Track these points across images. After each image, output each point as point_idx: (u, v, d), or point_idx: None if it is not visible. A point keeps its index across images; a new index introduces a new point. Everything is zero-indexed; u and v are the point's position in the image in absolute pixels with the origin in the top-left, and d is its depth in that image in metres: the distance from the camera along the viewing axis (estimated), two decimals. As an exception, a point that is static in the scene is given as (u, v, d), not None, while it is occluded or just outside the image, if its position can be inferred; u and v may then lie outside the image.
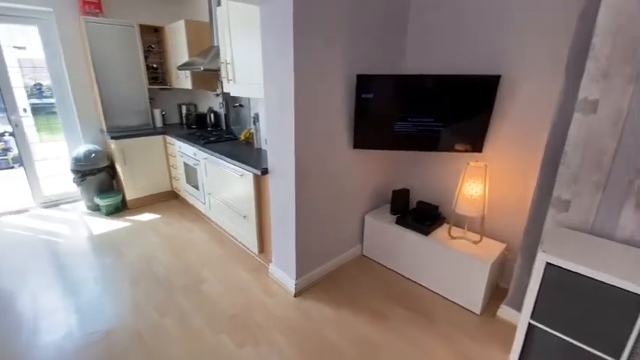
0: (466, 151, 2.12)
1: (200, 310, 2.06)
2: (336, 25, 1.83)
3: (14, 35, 3.33)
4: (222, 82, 2.77)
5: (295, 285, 2.18)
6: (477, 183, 1.99)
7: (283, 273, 2.27)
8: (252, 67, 2.26)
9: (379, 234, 2.49)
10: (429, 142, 2.16)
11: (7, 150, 5.34)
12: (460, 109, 2.04)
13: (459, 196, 2.06)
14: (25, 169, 3.54)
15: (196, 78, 3.40)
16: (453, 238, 2.18)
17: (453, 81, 2.00)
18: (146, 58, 3.74)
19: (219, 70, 2.72)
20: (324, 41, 1.79)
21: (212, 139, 3.13)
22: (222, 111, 3.70)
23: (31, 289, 2.25)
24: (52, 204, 3.71)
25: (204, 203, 3.17)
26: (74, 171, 3.38)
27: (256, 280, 2.37)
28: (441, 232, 2.27)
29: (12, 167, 5.29)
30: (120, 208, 3.55)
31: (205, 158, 2.87)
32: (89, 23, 3.17)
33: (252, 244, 2.55)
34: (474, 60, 2.09)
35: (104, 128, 3.51)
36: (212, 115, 3.72)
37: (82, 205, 3.66)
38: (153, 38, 3.75)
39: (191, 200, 3.51)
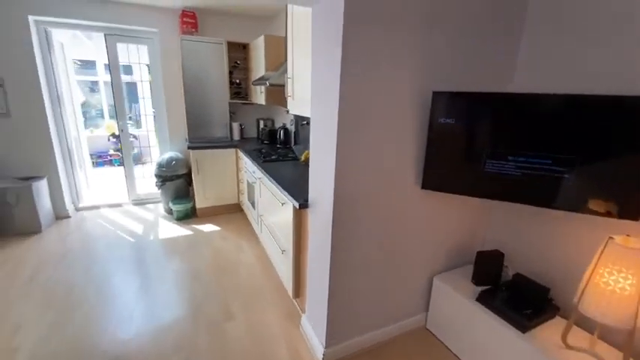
0: (608, 214, 1.32)
1: (213, 354, 1.79)
2: (405, 21, 1.35)
3: (131, 53, 3.84)
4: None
5: (324, 355, 1.70)
6: (628, 273, 1.19)
7: (313, 333, 1.83)
8: (308, 81, 1.95)
9: (451, 307, 1.81)
10: (541, 192, 1.44)
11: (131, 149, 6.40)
12: (604, 147, 1.29)
13: (588, 285, 1.28)
14: (124, 168, 4.00)
15: (269, 93, 3.30)
16: (570, 347, 1.38)
17: (598, 104, 1.27)
18: (231, 73, 3.87)
19: (284, 85, 2.52)
20: (385, 43, 1.33)
21: (273, 157, 2.94)
22: (292, 128, 3.53)
23: (82, 280, 2.37)
24: (141, 202, 4.11)
25: (257, 224, 2.98)
26: (157, 175, 3.65)
27: (285, 332, 1.98)
28: (550, 331, 1.48)
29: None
30: (189, 215, 3.68)
31: (260, 178, 2.67)
32: (184, 41, 3.41)
33: (288, 285, 2.19)
34: (627, 74, 1.31)
35: (187, 138, 3.72)
36: (282, 132, 3.58)
37: (161, 207, 3.95)
38: (240, 55, 3.86)
39: (249, 217, 3.39)
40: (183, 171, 3.70)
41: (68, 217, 3.61)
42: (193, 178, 3.59)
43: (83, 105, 6.67)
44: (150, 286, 2.41)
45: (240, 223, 3.60)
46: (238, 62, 3.88)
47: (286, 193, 1.94)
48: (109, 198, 4.16)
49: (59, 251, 2.86)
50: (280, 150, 3.31)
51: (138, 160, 6.50)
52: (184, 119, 3.68)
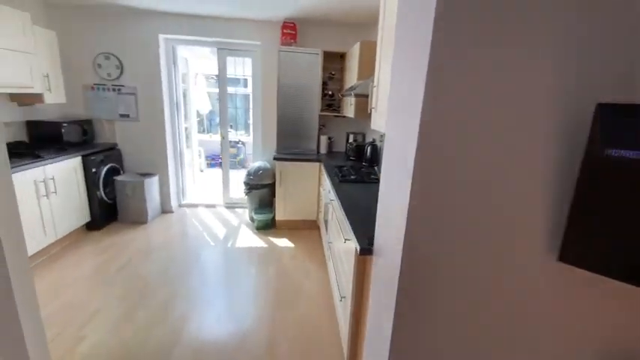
0: None
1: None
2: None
3: (238, 66, 4.09)
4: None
5: None
6: None
7: None
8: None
9: None
10: None
11: (237, 155, 7.04)
12: None
13: None
14: (222, 172, 4.26)
15: (358, 105, 2.96)
16: None
17: None
18: (325, 84, 3.70)
19: (369, 96, 2.13)
20: (500, 27, 0.80)
21: (352, 177, 2.56)
22: (382, 146, 3.09)
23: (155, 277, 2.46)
24: (232, 206, 4.31)
25: (327, 250, 2.65)
26: (245, 183, 3.73)
27: (330, 403, 1.56)
28: None
29: (236, 168, 6.89)
30: (269, 226, 3.63)
31: (333, 200, 2.33)
32: (281, 52, 3.39)
33: (344, 341, 1.75)
34: None
35: (276, 148, 3.70)
36: (369, 149, 3.17)
37: (247, 213, 4.03)
38: (336, 65, 3.66)
39: (323, 239, 3.09)
40: (269, 181, 3.68)
41: (171, 212, 4.02)
42: (276, 189, 3.52)
43: (210, 113, 7.71)
44: (205, 297, 2.34)
45: (314, 242, 3.34)
46: (333, 73, 3.68)
47: (350, 229, 1.54)
48: (207, 198, 4.52)
49: (153, 244, 3.14)
50: (364, 169, 2.91)
51: (243, 164, 7.13)
52: (275, 129, 3.67)
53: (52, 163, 2.76)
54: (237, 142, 6.93)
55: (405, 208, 0.94)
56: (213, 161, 7.27)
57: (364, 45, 2.84)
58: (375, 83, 1.87)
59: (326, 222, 2.83)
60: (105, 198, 3.43)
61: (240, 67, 4.21)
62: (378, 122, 1.82)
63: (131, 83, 3.63)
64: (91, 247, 3.01)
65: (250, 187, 3.68)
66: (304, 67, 3.46)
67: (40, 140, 3.16)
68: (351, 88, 2.56)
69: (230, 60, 3.94)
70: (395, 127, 1.09)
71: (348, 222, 1.62)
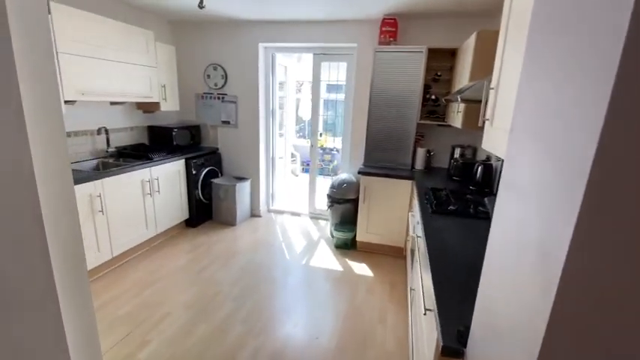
0: None
1: None
2: None
3: (333, 71, 3.88)
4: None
5: None
6: None
7: None
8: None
9: None
10: None
11: (330, 162, 6.93)
12: None
13: None
14: (309, 181, 4.13)
15: (468, 113, 2.31)
16: None
17: None
18: (428, 88, 3.12)
19: (481, 101, 1.54)
20: None
21: (451, 206, 1.97)
22: (498, 166, 2.35)
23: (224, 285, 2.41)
24: (316, 216, 4.13)
25: (409, 295, 2.12)
26: (328, 195, 3.47)
27: None
28: None
29: (329, 175, 6.78)
30: (348, 246, 3.27)
31: (420, 236, 1.81)
32: (378, 53, 2.99)
33: None
34: None
35: (363, 160, 3.32)
36: (481, 169, 2.46)
37: (328, 227, 3.78)
38: (444, 64, 3.04)
39: (407, 275, 2.55)
40: (353, 196, 3.33)
41: (259, 216, 4.09)
42: (359, 206, 3.13)
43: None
44: (262, 322, 2.13)
45: (398, 275, 2.81)
46: (439, 74, 3.07)
47: (434, 300, 1.04)
48: (294, 205, 4.47)
49: (235, 249, 3.18)
50: (470, 196, 2.25)
51: (336, 172, 6.98)
52: (364, 139, 3.29)
53: (159, 164, 3.06)
54: (333, 149, 6.81)
55: (548, 306, 0.45)
56: (309, 167, 7.37)
57: (482, 36, 2.19)
58: (493, 84, 1.30)
59: (412, 255, 2.29)
60: (202, 198, 3.69)
61: (337, 73, 4.02)
62: (494, 140, 1.25)
63: (233, 92, 3.82)
64: (184, 244, 3.23)
65: (333, 200, 3.39)
66: (403, 68, 2.97)
67: (156, 143, 3.59)
68: (459, 92, 1.98)
69: (332, 66, 3.76)
70: (530, 152, 0.57)
71: (432, 285, 1.12)
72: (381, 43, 3.08)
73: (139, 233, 2.92)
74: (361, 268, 2.92)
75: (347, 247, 3.28)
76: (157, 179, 3.05)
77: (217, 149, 4.00)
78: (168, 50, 3.38)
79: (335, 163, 6.95)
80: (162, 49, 3.29)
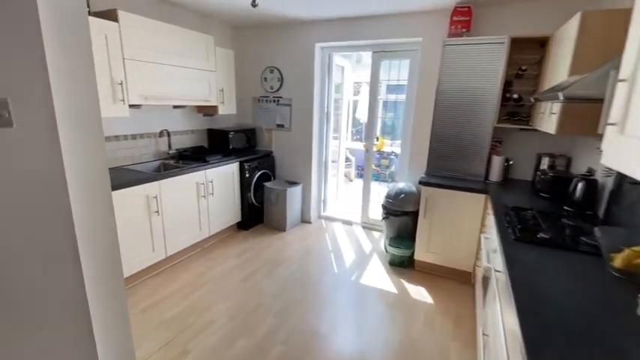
0: None
1: None
2: None
3: (393, 71, 3.56)
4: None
5: None
6: None
7: None
8: None
9: None
10: None
11: (387, 167, 6.53)
12: None
13: None
14: (363, 188, 3.85)
15: (567, 114, 1.82)
16: None
17: None
18: (509, 85, 2.63)
19: (601, 100, 1.13)
20: None
21: (542, 234, 1.54)
22: (607, 183, 1.82)
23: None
24: (369, 226, 3.84)
25: (480, 338, 1.73)
26: (383, 206, 3.17)
27: None
28: None
29: (385, 182, 6.39)
30: (405, 264, 2.93)
31: (499, 271, 1.44)
32: (447, 46, 2.62)
33: None
34: None
35: (425, 168, 2.95)
36: (582, 187, 1.94)
37: (382, 241, 3.46)
38: (531, 56, 2.53)
39: (477, 309, 2.13)
40: (411, 208, 2.98)
41: (310, 222, 3.95)
42: (419, 220, 2.78)
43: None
44: (300, 344, 1.93)
45: (463, 305, 2.39)
46: (524, 68, 2.57)
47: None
48: (346, 213, 4.24)
49: (283, 256, 3.07)
50: (567, 221, 1.77)
51: (393, 178, 6.56)
52: (427, 144, 2.92)
53: (214, 167, 3.09)
54: (391, 154, 6.42)
55: None
56: (364, 171, 7.05)
57: (590, 17, 1.71)
58: (625, 75, 0.91)
59: (485, 287, 1.89)
60: (254, 202, 3.67)
61: (399, 72, 3.70)
62: (628, 154, 0.87)
63: (288, 95, 3.74)
64: (234, 247, 3.22)
65: (388, 212, 3.08)
66: (478, 63, 2.55)
67: (214, 145, 3.67)
68: (558, 88, 1.54)
69: (393, 65, 3.47)
70: None
71: (524, 346, 0.80)
72: (451, 35, 2.69)
73: (192, 234, 2.97)
74: (419, 293, 2.56)
75: (403, 265, 2.94)
76: (212, 182, 3.09)
77: (271, 152, 3.96)
78: (227, 54, 3.43)
79: (393, 168, 6.54)
80: (222, 53, 3.34)
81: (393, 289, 2.59)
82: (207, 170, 3.03)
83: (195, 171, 2.89)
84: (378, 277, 2.77)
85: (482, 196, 2.49)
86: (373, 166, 7.15)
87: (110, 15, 2.36)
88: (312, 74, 3.55)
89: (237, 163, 3.42)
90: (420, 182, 2.68)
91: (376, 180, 6.34)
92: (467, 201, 2.53)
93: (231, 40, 3.81)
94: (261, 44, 3.74)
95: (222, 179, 3.24)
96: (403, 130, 3.45)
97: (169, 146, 3.21)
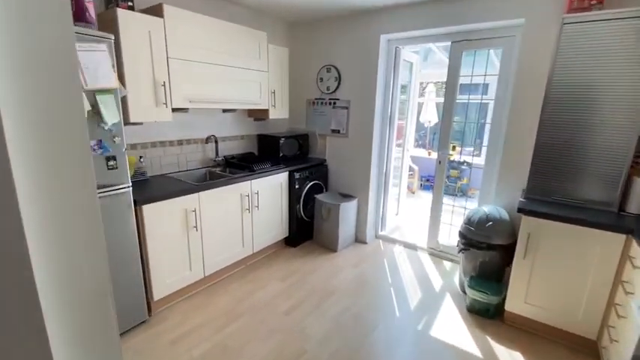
0: None
1: None
2: None
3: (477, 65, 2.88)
4: None
5: None
6: None
7: None
8: None
9: None
10: None
11: (458, 178, 5.66)
12: None
13: None
14: (432, 204, 3.21)
15: None
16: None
17: None
18: (668, 75, 1.81)
19: None
20: None
21: None
22: None
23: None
24: (438, 254, 3.18)
25: None
26: (461, 233, 2.51)
27: None
28: None
29: (454, 196, 5.55)
30: (490, 313, 2.24)
31: None
32: (566, 25, 1.90)
33: None
34: None
35: (525, 189, 2.23)
36: None
37: (457, 274, 2.79)
38: None
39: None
40: (502, 241, 2.28)
41: (365, 242, 3.42)
42: (515, 260, 2.08)
43: (435, 126, 6.75)
44: None
45: (590, 395, 1.65)
46: (699, 49, 1.73)
47: None
48: (409, 234, 3.62)
49: (332, 286, 2.60)
50: None
51: (464, 192, 5.67)
52: (528, 157, 2.20)
53: (260, 177, 2.76)
54: (462, 163, 5.56)
55: None
56: (429, 182, 6.25)
57: None
58: None
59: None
60: (303, 215, 3.28)
61: (486, 65, 2.98)
62: None
63: (346, 96, 3.28)
64: (280, 267, 2.85)
65: (468, 242, 2.42)
66: (615, 47, 1.79)
67: (264, 153, 3.37)
68: None
69: (478, 56, 2.81)
70: None
71: None
72: (572, 10, 1.97)
73: (233, 252, 2.67)
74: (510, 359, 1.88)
75: (487, 314, 2.25)
76: (257, 193, 2.76)
77: (324, 161, 3.54)
78: (280, 53, 3.10)
79: (465, 181, 5.67)
80: (275, 51, 3.01)
81: (475, 351, 1.95)
82: (254, 180, 2.71)
83: (240, 181, 2.59)
84: (454, 328, 2.14)
85: (619, 237, 1.72)
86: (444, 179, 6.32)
87: (155, 10, 2.16)
88: (374, 72, 3.04)
89: (287, 173, 3.06)
90: (521, 210, 1.99)
91: (444, 193, 5.54)
92: (594, 241, 1.78)
93: (286, 37, 3.49)
94: (318, 40, 3.35)
95: (269, 190, 2.90)
96: (490, 136, 2.75)
97: (216, 153, 2.97)
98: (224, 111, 2.99)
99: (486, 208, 2.46)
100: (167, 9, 2.14)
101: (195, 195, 2.27)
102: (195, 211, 2.27)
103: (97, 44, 1.62)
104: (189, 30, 2.28)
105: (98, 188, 1.73)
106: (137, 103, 2.08)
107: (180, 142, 2.73)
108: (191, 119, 2.76)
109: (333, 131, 3.43)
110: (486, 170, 2.79)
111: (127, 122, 2.13)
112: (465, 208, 3.10)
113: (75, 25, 1.63)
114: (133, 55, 2.00)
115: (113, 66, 1.70)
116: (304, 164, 3.26)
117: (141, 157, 2.44)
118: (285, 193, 3.10)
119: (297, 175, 3.11)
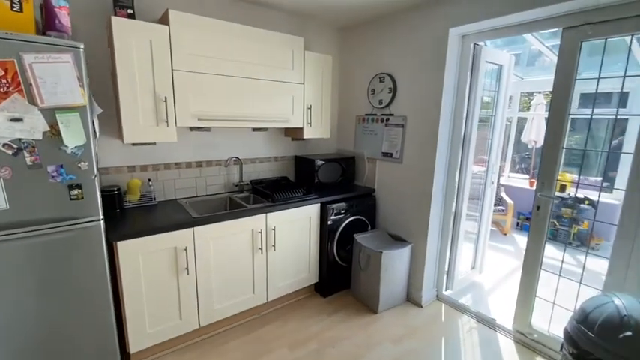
0: None
1: None
2: None
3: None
4: None
5: None
6: None
7: None
8: None
9: None
10: None
11: (574, 220, 4.13)
12: None
13: None
14: (524, 265, 2.19)
15: None
16: None
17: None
18: None
19: None
20: None
21: None
22: None
23: None
24: (529, 343, 2.12)
25: None
26: (567, 334, 1.52)
27: None
28: None
29: (569, 246, 4.06)
30: None
31: None
32: None
33: None
34: None
35: None
36: None
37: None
38: None
39: None
40: (655, 367, 1.24)
41: (419, 305, 2.56)
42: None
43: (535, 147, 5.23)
44: None
45: None
46: None
47: None
48: (489, 299, 2.61)
49: (353, 369, 1.89)
50: None
51: (583, 241, 4.10)
52: None
53: (280, 209, 2.26)
54: (582, 201, 4.05)
55: None
56: (527, 222, 4.78)
57: None
58: None
59: None
60: (337, 258, 2.64)
61: (606, 66, 1.91)
62: None
63: (401, 111, 2.57)
64: (296, 326, 2.27)
65: (579, 354, 1.42)
66: None
67: (301, 178, 2.88)
68: None
69: (610, 48, 1.82)
70: None
71: None
72: None
73: (240, 299, 2.20)
74: None
75: None
76: (274, 229, 2.26)
77: (373, 191, 2.85)
78: (321, 61, 2.59)
79: (584, 226, 4.12)
80: (314, 60, 2.52)
81: None
82: (271, 214, 2.22)
83: (251, 214, 2.13)
84: None
85: None
86: (550, 220, 4.84)
87: (161, 18, 1.91)
88: (440, 79, 2.26)
89: (318, 205, 2.49)
90: None
91: (551, 238, 4.11)
92: None
93: (332, 44, 2.99)
94: (370, 45, 2.75)
95: (292, 226, 2.38)
96: (634, 166, 1.67)
97: (240, 177, 2.60)
98: (254, 130, 2.63)
99: (622, 299, 1.42)
100: (173, 15, 1.86)
101: (188, 230, 1.89)
102: (186, 249, 1.89)
103: (57, 54, 1.37)
104: (201, 37, 1.97)
105: (57, 221, 1.47)
106: (134, 122, 1.83)
107: (199, 164, 2.45)
108: (213, 139, 2.46)
109: (385, 155, 2.73)
110: (625, 216, 1.70)
111: (136, 142, 1.91)
112: (584, 268, 2.00)
113: (45, 35, 1.43)
114: (129, 67, 1.76)
115: (80, 79, 1.43)
116: (345, 194, 2.64)
117: (149, 180, 2.21)
118: (316, 229, 2.53)
119: (331, 208, 2.51)
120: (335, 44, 3.00)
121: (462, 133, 2.42)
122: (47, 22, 1.42)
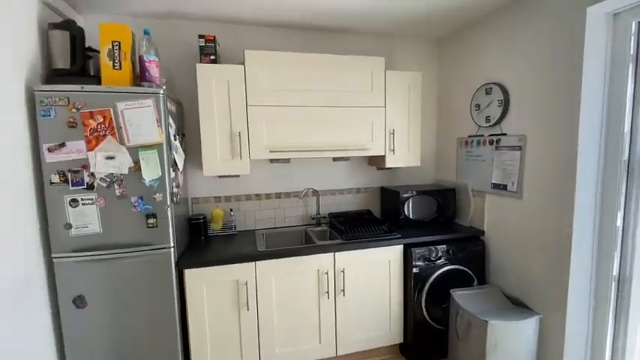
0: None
1: None
2: None
3: None
4: None
5: None
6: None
7: None
8: None
9: None
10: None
11: None
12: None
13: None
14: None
15: None
16: None
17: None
18: None
19: None
20: None
21: None
22: None
23: None
24: None
25: None
26: None
27: None
28: None
29: None
30: None
31: None
32: None
33: None
34: None
35: None
36: None
37: None
38: None
39: None
40: None
41: (558, 408, 1.72)
42: None
43: None
44: None
45: None
46: None
47: None
48: None
49: None
50: None
51: None
52: None
53: (351, 249, 1.98)
54: None
55: None
56: None
57: None
58: None
59: None
60: (427, 317, 2.09)
61: None
62: None
63: (517, 129, 1.94)
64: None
65: None
66: None
67: (386, 212, 2.53)
68: None
69: None
70: None
71: None
72: None
73: (304, 347, 1.98)
74: None
75: None
76: (343, 271, 1.97)
77: (482, 234, 2.21)
78: (408, 79, 2.26)
79: None
80: (397, 79, 2.22)
81: None
82: (339, 253, 1.96)
83: (316, 252, 1.93)
84: None
85: None
86: None
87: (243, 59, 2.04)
88: (577, 81, 1.59)
89: (400, 247, 2.07)
90: None
91: None
92: None
93: (423, 59, 2.60)
94: (471, 52, 2.26)
95: (367, 269, 2.04)
96: None
97: (317, 209, 2.46)
98: (334, 159, 2.48)
99: None
100: (248, 54, 1.96)
101: (250, 264, 1.83)
102: (247, 284, 1.82)
103: (142, 100, 1.58)
104: (275, 71, 2.00)
105: (136, 246, 1.65)
106: (212, 156, 1.96)
107: (278, 195, 2.44)
108: (291, 170, 2.43)
109: (496, 186, 2.09)
110: None
111: (215, 175, 2.05)
112: None
113: (139, 86, 1.69)
114: (209, 106, 1.92)
115: (158, 120, 1.61)
116: (438, 235, 2.13)
117: (231, 209, 2.32)
118: (398, 277, 2.10)
119: (417, 252, 2.04)
120: (426, 59, 2.61)
121: (626, 154, 1.60)
122: (141, 74, 1.68)
